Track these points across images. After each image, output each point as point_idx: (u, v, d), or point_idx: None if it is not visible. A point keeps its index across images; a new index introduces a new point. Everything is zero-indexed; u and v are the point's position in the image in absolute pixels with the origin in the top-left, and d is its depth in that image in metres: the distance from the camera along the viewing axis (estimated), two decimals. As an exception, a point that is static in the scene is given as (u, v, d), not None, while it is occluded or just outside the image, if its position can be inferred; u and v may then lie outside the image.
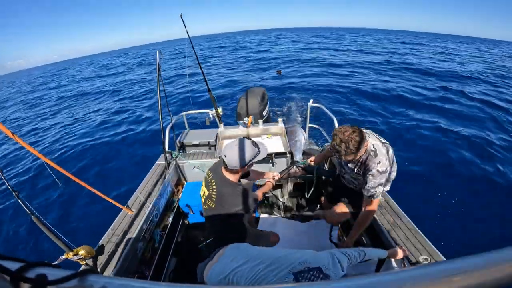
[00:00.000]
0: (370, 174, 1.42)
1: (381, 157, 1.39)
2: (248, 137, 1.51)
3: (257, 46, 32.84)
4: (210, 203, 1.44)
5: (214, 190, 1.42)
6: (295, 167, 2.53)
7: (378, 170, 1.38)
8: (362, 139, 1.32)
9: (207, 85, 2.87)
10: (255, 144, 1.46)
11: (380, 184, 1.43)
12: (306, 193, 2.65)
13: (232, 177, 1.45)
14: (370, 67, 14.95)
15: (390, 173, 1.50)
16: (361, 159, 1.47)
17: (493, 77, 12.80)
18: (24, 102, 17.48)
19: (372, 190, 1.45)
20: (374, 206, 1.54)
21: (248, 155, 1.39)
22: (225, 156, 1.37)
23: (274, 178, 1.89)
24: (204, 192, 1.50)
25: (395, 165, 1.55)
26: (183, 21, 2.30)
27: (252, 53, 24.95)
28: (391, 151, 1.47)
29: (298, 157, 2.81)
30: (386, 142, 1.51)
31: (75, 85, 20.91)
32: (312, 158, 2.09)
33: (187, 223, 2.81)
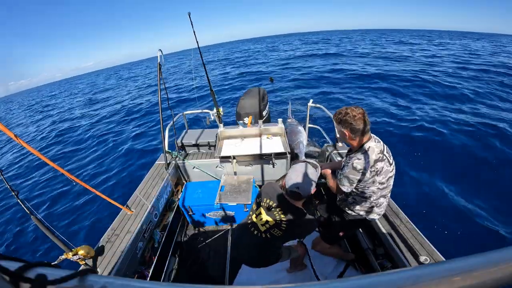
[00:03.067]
0: (346, 165, 1.50)
1: (365, 158, 1.41)
2: (303, 160, 1.48)
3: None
4: (276, 232, 1.40)
5: (284, 219, 1.38)
6: None
7: (353, 164, 1.43)
8: (347, 116, 1.36)
9: (209, 85, 2.88)
10: (313, 164, 1.43)
11: (347, 178, 1.49)
12: None
13: (299, 203, 1.43)
14: None
15: (366, 181, 1.44)
16: (351, 153, 1.52)
17: None
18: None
19: (340, 176, 1.55)
20: (338, 188, 1.60)
21: (315, 179, 1.37)
22: (297, 188, 1.32)
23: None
24: (268, 221, 1.42)
25: (380, 178, 1.44)
26: (190, 20, 2.32)
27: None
28: (383, 164, 1.40)
29: (302, 158, 2.80)
30: (390, 159, 1.45)
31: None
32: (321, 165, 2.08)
33: (186, 223, 2.81)
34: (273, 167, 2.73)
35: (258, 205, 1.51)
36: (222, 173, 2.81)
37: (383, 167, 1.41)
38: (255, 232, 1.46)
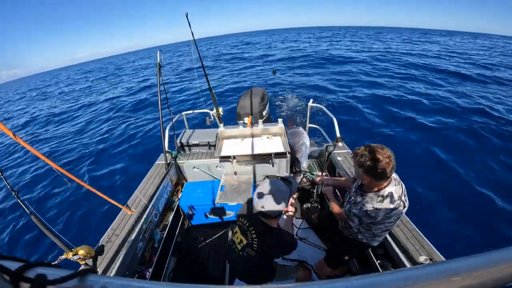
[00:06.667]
0: (360, 207, 1.39)
1: (381, 207, 1.30)
2: (273, 176, 1.41)
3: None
4: (250, 252, 1.37)
5: (255, 239, 1.34)
6: (302, 176, 2.50)
7: (367, 211, 1.34)
8: (371, 162, 1.21)
9: (208, 84, 2.87)
10: (286, 180, 1.36)
11: (358, 219, 1.41)
12: (302, 204, 2.60)
13: (273, 222, 1.37)
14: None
15: (376, 222, 1.39)
16: (367, 193, 1.38)
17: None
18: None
19: (350, 213, 1.45)
20: (342, 218, 1.54)
21: (285, 197, 1.30)
22: (263, 207, 1.26)
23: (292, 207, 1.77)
24: (242, 240, 1.41)
25: (391, 219, 1.38)
26: (188, 21, 2.31)
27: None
28: (398, 210, 1.32)
29: (304, 164, 2.76)
30: (406, 202, 1.35)
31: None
32: (321, 178, 2.04)
33: (186, 223, 2.81)
34: (273, 166, 2.72)
35: (235, 223, 1.49)
36: (222, 173, 2.81)
37: (397, 213, 1.32)
38: (235, 250, 1.45)
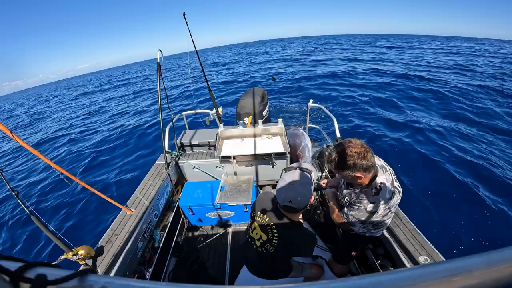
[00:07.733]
0: (357, 207, 1.33)
1: (379, 200, 1.25)
2: (293, 167, 1.34)
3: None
4: (269, 248, 1.32)
5: (276, 235, 1.29)
6: None
7: (366, 209, 1.29)
8: (354, 159, 1.16)
9: (207, 84, 2.87)
10: (306, 170, 1.31)
11: (360, 221, 1.36)
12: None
13: (296, 216, 1.31)
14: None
15: (378, 217, 1.33)
16: (359, 189, 1.34)
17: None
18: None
19: (350, 217, 1.39)
20: (343, 224, 1.49)
21: (310, 188, 1.23)
22: (290, 202, 1.19)
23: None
24: (262, 236, 1.35)
25: (390, 212, 1.34)
26: (185, 20, 2.31)
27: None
28: (395, 198, 1.28)
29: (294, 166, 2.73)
30: (399, 188, 1.32)
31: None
32: (325, 181, 2.05)
33: (186, 223, 2.81)
34: (273, 167, 2.72)
35: (253, 219, 1.45)
36: (222, 173, 2.81)
37: (395, 202, 1.29)
38: (254, 246, 1.42)
